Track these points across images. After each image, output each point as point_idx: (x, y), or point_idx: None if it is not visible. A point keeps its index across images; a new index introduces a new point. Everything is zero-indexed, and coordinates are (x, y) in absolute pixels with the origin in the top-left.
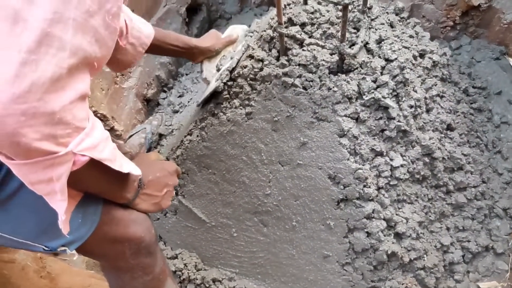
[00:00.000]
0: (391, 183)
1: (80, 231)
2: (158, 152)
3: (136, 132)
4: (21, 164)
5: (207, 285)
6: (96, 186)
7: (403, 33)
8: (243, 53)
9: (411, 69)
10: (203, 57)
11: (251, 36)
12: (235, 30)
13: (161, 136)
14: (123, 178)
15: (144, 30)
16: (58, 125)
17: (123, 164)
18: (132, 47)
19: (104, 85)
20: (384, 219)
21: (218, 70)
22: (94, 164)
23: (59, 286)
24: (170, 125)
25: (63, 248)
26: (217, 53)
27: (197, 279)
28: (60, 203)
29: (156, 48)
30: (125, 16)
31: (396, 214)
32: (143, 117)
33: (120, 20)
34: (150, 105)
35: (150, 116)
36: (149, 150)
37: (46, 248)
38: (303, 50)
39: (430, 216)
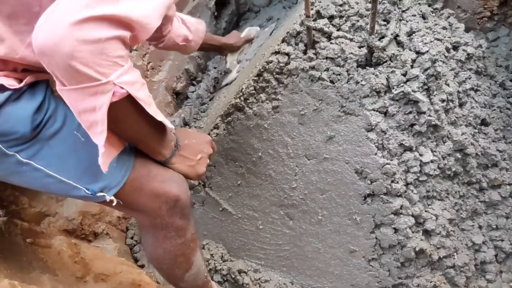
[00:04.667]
0: (420, 179)
1: (116, 175)
2: None
3: None
4: (72, 90)
5: (233, 276)
6: (134, 129)
7: (436, 24)
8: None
9: (443, 62)
10: (228, 51)
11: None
12: (251, 30)
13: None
14: (160, 132)
15: (200, 29)
16: (101, 55)
17: (158, 112)
18: (195, 43)
19: None
20: (412, 216)
21: (238, 62)
22: (132, 104)
23: (92, 271)
24: (199, 119)
25: (102, 194)
26: (238, 49)
27: (223, 270)
28: (100, 135)
29: (200, 46)
30: (185, 27)
31: (425, 211)
32: (172, 110)
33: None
34: (179, 98)
35: (179, 109)
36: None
37: (88, 192)
38: (331, 43)
39: (461, 213)
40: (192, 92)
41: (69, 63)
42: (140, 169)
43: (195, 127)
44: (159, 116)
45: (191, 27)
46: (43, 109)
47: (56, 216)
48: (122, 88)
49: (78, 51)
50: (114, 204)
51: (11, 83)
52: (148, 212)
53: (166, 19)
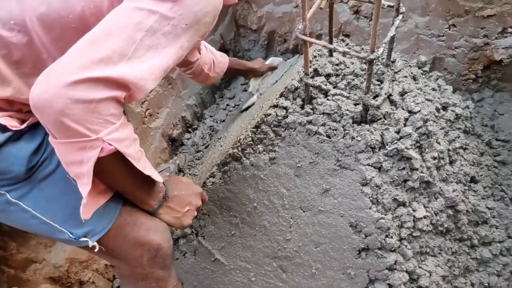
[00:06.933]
0: (413, 234)
1: (101, 222)
2: None
3: (160, 171)
4: (61, 143)
5: None
6: (123, 181)
7: (426, 86)
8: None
9: (434, 121)
10: (252, 75)
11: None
12: (275, 60)
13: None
14: (149, 184)
15: (223, 62)
16: (93, 113)
17: (146, 167)
18: (217, 74)
19: (133, 125)
20: (406, 271)
21: (257, 90)
22: (121, 159)
23: None
24: (194, 166)
25: (85, 239)
26: (262, 74)
27: None
28: (85, 186)
29: (226, 70)
30: (212, 55)
31: (419, 267)
32: (167, 156)
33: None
34: (174, 144)
35: (174, 155)
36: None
37: (71, 236)
38: (327, 99)
39: (454, 270)
40: (188, 139)
41: (60, 119)
42: (126, 217)
43: (189, 174)
44: (147, 170)
45: (215, 58)
46: (41, 151)
47: (43, 262)
48: (110, 144)
49: (70, 109)
50: (96, 250)
51: (14, 124)
52: (129, 260)
53: (193, 48)
